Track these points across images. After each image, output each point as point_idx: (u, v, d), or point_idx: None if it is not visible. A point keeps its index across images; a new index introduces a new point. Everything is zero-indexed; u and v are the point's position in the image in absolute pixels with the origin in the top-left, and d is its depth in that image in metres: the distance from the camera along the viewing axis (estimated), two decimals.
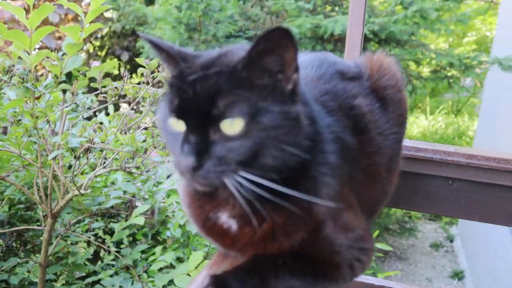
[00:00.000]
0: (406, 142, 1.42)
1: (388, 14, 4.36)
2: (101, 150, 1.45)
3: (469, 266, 4.90)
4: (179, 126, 0.70)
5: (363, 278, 1.57)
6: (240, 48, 0.76)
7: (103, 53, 6.59)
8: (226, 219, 0.78)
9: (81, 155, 1.34)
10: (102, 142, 1.37)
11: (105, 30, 6.46)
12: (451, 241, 5.74)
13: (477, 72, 4.33)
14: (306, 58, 1.06)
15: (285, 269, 0.74)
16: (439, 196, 1.40)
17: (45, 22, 5.50)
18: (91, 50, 6.53)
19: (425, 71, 4.65)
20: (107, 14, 6.17)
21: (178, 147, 0.69)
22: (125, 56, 6.05)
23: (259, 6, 4.72)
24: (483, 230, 4.66)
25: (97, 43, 6.61)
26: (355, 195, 0.87)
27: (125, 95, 1.86)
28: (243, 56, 0.69)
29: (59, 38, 5.35)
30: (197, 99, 0.67)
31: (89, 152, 1.35)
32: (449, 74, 4.35)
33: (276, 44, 0.67)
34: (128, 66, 6.19)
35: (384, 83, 1.08)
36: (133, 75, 5.56)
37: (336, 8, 4.83)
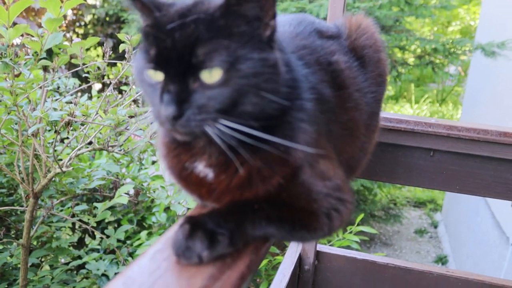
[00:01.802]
0: (388, 114, 1.43)
1: None
2: (82, 124, 1.43)
3: (452, 251, 4.98)
4: (157, 76, 0.69)
5: (346, 252, 1.59)
6: None
7: None
8: (202, 168, 0.78)
9: (62, 129, 1.32)
10: (84, 115, 1.35)
11: (89, 18, 6.37)
12: (435, 227, 5.83)
13: (461, 59, 4.36)
14: (284, 18, 1.06)
15: (262, 215, 0.74)
16: (420, 168, 1.41)
17: (27, 9, 5.39)
18: (74, 38, 6.43)
19: (410, 60, 4.68)
20: (91, 1, 6.08)
21: (157, 97, 0.69)
22: (109, 44, 5.98)
23: None
24: (465, 215, 4.74)
25: (81, 31, 6.51)
26: (333, 149, 0.87)
27: (108, 76, 1.83)
28: (221, 3, 0.68)
29: (41, 26, 5.26)
30: (176, 48, 0.66)
31: (70, 126, 1.33)
32: (434, 60, 4.38)
33: None
34: (112, 55, 6.12)
35: (362, 42, 1.09)
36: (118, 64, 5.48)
37: None
